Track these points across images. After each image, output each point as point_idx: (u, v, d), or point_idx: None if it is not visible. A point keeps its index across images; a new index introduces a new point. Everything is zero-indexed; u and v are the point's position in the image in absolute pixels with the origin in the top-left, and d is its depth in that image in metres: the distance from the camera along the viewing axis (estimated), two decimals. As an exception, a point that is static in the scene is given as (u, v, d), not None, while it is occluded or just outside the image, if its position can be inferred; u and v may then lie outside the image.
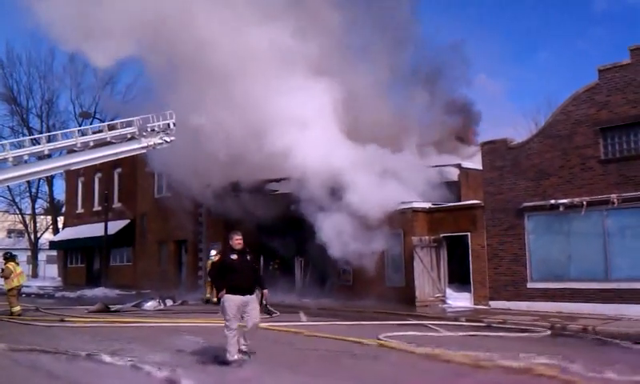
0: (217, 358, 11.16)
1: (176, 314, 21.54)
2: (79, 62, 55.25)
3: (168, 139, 21.91)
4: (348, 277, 25.62)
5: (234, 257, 11.10)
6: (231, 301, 10.83)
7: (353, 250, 22.80)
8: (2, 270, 21.07)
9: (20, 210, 58.60)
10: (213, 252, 27.82)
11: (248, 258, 11.28)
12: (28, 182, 54.92)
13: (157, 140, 21.59)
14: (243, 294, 10.89)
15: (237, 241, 11.28)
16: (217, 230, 32.62)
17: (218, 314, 20.87)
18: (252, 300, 10.99)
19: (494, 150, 22.16)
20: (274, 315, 11.40)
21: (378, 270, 23.98)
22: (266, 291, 11.57)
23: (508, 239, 21.35)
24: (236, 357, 10.72)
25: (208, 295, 26.03)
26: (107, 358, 11.49)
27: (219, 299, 10.94)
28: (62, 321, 18.87)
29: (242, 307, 10.84)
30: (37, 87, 57.14)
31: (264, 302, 11.48)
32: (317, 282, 27.37)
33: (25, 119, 55.79)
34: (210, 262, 26.34)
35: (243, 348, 11.04)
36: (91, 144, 20.07)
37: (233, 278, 10.91)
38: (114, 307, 23.03)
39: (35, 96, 57.22)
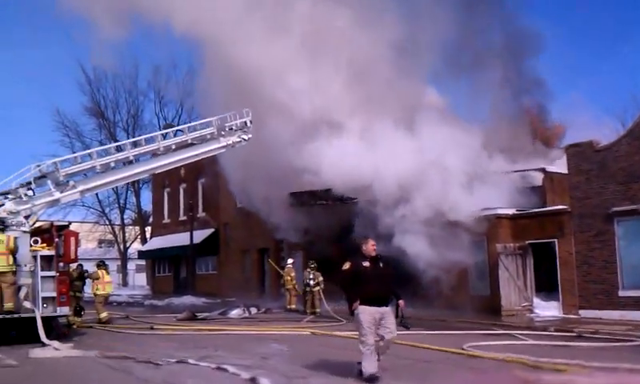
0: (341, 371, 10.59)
1: (261, 321, 21.82)
2: (162, 76, 57.03)
3: (246, 137, 22.21)
4: (430, 285, 25.29)
5: (366, 264, 10.25)
6: (366, 313, 9.95)
7: (435, 258, 22.54)
8: (91, 274, 21.85)
9: (109, 220, 60.68)
10: (290, 261, 28.09)
11: (381, 265, 10.40)
12: (116, 193, 57.25)
13: (235, 138, 21.91)
14: (379, 305, 10.02)
15: (372, 246, 10.39)
16: (297, 239, 32.81)
17: (300, 321, 21.25)
18: (388, 312, 10.15)
19: (579, 153, 21.49)
20: (410, 328, 10.69)
21: (461, 278, 23.60)
22: (401, 302, 10.45)
23: (597, 245, 20.64)
24: (374, 371, 9.84)
25: (293, 305, 26.21)
26: (195, 363, 11.74)
27: (352, 311, 10.12)
28: (152, 328, 19.39)
29: (378, 320, 9.98)
30: (122, 101, 59.26)
31: (400, 313, 10.43)
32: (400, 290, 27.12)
33: (112, 133, 57.82)
34: (299, 274, 26.62)
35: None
36: (173, 147, 20.55)
37: (366, 287, 10.06)
38: (201, 315, 23.54)
39: (121, 110, 59.39)
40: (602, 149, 20.95)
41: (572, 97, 54.41)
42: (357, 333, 10.25)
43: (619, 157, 20.31)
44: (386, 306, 10.14)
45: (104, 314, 21.37)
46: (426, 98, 27.08)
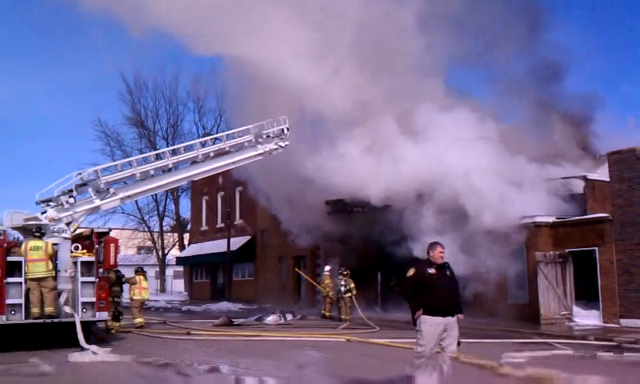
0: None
1: (296, 328, 21.86)
2: (201, 86, 57.63)
3: (283, 144, 22.31)
4: (468, 293, 25.04)
5: (432, 271, 9.66)
6: (429, 323, 9.44)
7: (474, 266, 22.31)
8: (129, 279, 22.14)
9: (149, 227, 61.44)
10: (327, 268, 28.10)
11: (448, 273, 9.83)
12: (156, 200, 58.03)
13: (272, 146, 22.02)
14: (444, 316, 9.49)
15: (440, 253, 9.79)
16: (333, 245, 32.87)
17: (336, 328, 21.25)
18: (453, 323, 9.61)
19: (621, 161, 21.10)
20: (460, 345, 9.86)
21: (499, 286, 23.32)
22: (461, 316, 9.85)
23: (639, 254, 20.22)
24: None
25: (328, 312, 26.22)
26: (231, 370, 11.77)
27: (415, 320, 9.63)
28: (189, 334, 19.55)
29: (441, 331, 9.45)
30: (162, 111, 60.08)
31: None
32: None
33: (152, 141, 58.65)
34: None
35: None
36: (211, 155, 20.74)
37: (432, 296, 9.51)
38: (237, 321, 23.65)
39: (161, 119, 60.25)
40: (645, 156, 20.55)
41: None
42: (414, 341, 9.83)
43: (662, 164, 19.90)
44: (451, 317, 9.61)
45: (139, 320, 21.64)
46: (465, 103, 26.86)
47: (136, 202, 51.04)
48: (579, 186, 24.53)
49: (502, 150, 24.06)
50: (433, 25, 26.97)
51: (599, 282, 21.22)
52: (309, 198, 28.67)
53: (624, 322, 20.23)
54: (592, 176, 24.55)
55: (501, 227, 22.22)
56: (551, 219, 23.15)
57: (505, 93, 29.91)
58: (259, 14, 25.56)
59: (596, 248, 21.47)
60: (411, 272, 9.81)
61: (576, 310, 22.15)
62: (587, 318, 21.51)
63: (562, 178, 24.88)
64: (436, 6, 26.86)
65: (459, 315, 9.80)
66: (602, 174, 23.51)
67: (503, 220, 22.32)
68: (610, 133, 30.02)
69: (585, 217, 22.91)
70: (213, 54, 29.66)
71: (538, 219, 22.91)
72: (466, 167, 23.22)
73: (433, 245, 9.96)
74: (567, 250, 22.45)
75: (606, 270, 21.05)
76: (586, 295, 22.25)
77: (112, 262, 17.14)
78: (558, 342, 16.15)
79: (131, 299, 21.99)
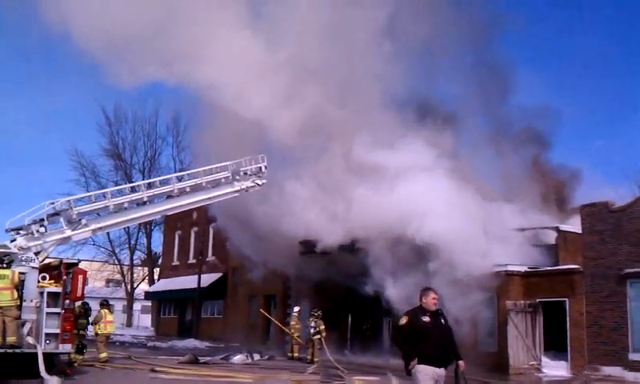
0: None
1: (263, 368, 21.55)
2: (180, 121, 57.52)
3: (260, 182, 22.25)
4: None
5: (427, 319, 9.26)
6: (426, 373, 9.04)
7: (449, 312, 22.25)
8: (94, 315, 21.74)
9: (119, 260, 60.71)
10: (296, 308, 27.91)
11: (442, 321, 9.47)
12: (128, 233, 57.38)
13: (249, 183, 21.96)
14: (439, 366, 9.15)
15: (433, 300, 9.44)
16: (303, 286, 32.70)
17: (304, 371, 20.96)
18: (443, 375, 9.28)
19: (594, 213, 21.36)
20: None
21: (469, 333, 23.25)
22: (462, 363, 9.47)
23: (608, 307, 20.37)
24: None
25: (295, 354, 25.94)
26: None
27: (409, 370, 9.20)
28: (153, 370, 19.18)
29: (435, 382, 9.13)
30: (141, 144, 59.73)
31: (462, 376, 9.46)
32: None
33: (128, 174, 58.19)
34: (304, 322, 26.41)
35: None
36: (187, 190, 20.59)
37: (427, 345, 9.09)
38: (203, 359, 23.26)
39: (139, 153, 59.82)
40: (617, 210, 20.83)
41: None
42: None
43: (634, 218, 20.17)
44: (445, 367, 9.26)
45: (104, 354, 21.19)
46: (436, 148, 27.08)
47: (107, 233, 50.36)
48: (551, 237, 24.72)
49: (474, 196, 24.16)
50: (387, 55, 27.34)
51: (568, 333, 21.28)
52: (278, 238, 28.52)
53: (592, 374, 20.26)
54: (564, 227, 24.77)
55: (473, 276, 22.25)
56: (523, 268, 23.25)
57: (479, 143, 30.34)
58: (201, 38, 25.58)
59: (566, 299, 21.57)
60: (404, 321, 9.39)
61: (545, 360, 22.14)
62: (556, 369, 21.51)
63: (535, 229, 25.06)
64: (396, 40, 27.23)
65: (460, 362, 9.44)
66: (574, 225, 23.74)
67: (476, 269, 22.37)
68: (583, 186, 30.56)
69: (556, 268, 23.04)
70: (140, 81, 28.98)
71: (510, 268, 22.98)
72: (437, 213, 23.28)
73: (425, 291, 9.60)
74: (538, 300, 22.52)
75: (576, 322, 21.14)
76: (555, 346, 22.27)
77: (79, 293, 16.80)
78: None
79: (96, 334, 21.54)
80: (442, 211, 23.17)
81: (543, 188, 29.64)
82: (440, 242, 22.77)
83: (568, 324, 21.35)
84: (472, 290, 22.26)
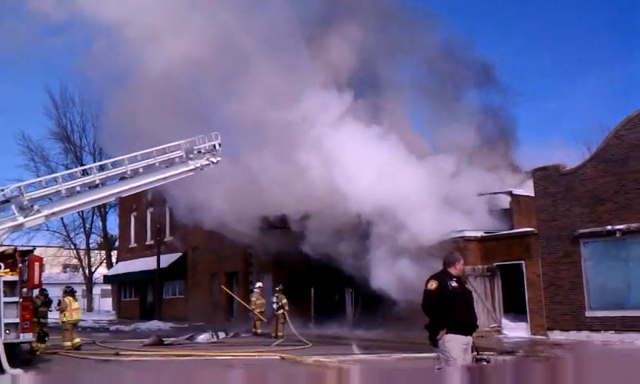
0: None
1: (229, 346, 21.58)
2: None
3: (214, 160, 22.01)
4: (398, 308, 25.28)
5: (455, 285, 8.80)
6: (457, 341, 8.61)
7: (402, 281, 22.56)
8: (59, 302, 21.44)
9: (75, 245, 59.80)
10: (258, 284, 27.91)
11: (467, 288, 9.02)
12: (82, 217, 56.53)
13: (204, 162, 21.67)
14: (466, 334, 8.72)
15: (462, 266, 9.06)
16: (266, 261, 32.76)
17: (269, 345, 21.06)
18: (470, 343, 8.89)
19: (546, 177, 21.78)
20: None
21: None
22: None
23: (564, 267, 20.88)
24: None
25: (259, 330, 26.01)
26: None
27: (435, 340, 8.70)
28: (117, 354, 19.04)
29: (464, 351, 8.68)
30: (89, 126, 58.55)
31: (474, 347, 9.02)
32: (368, 313, 27.08)
33: (79, 157, 57.09)
34: (268, 297, 26.44)
35: None
36: (141, 170, 20.28)
37: (457, 312, 8.66)
38: (167, 340, 23.17)
39: (88, 135, 58.59)
40: (568, 172, 21.27)
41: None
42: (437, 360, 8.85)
43: (585, 180, 20.62)
44: (471, 336, 8.86)
45: (74, 341, 20.93)
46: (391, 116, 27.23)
47: (61, 218, 49.41)
48: (506, 202, 25.19)
49: (430, 164, 24.42)
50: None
51: (526, 295, 21.77)
52: (241, 213, 28.43)
53: (551, 333, 20.80)
54: (517, 191, 25.25)
55: (431, 242, 22.55)
56: (479, 234, 23.66)
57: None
58: None
59: (523, 262, 22.03)
60: (433, 285, 8.81)
61: (505, 322, 22.64)
62: (516, 331, 22.01)
63: (489, 194, 25.49)
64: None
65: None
66: (527, 189, 24.19)
67: (434, 235, 22.67)
68: (532, 149, 31.15)
69: (511, 231, 23.51)
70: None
71: (467, 234, 23.35)
72: (393, 185, 23.52)
73: (454, 256, 9.17)
74: (495, 264, 22.96)
75: (533, 283, 21.63)
76: (515, 308, 22.78)
77: (37, 281, 16.55)
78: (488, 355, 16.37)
79: (62, 322, 21.24)
80: (393, 178, 23.42)
81: (495, 153, 30.15)
82: (391, 210, 23.04)
83: (525, 286, 21.84)
84: (429, 257, 22.56)
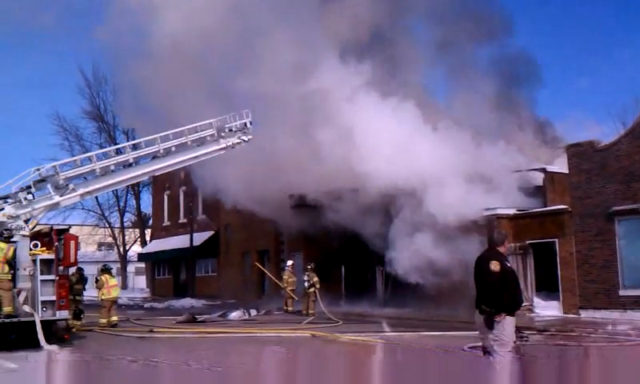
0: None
1: (261, 323, 21.77)
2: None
3: (246, 138, 22.06)
4: (427, 287, 25.22)
5: (510, 266, 8.63)
6: (514, 325, 8.54)
7: (434, 259, 22.52)
8: (96, 280, 21.77)
9: (109, 223, 60.56)
10: (289, 262, 28.04)
11: None
12: (116, 196, 57.18)
13: (235, 140, 21.73)
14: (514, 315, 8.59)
15: (508, 245, 8.88)
16: (298, 239, 32.90)
17: (300, 323, 21.21)
18: None
19: (580, 153, 21.47)
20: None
21: (461, 278, 23.51)
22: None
23: (598, 245, 20.61)
24: None
25: (290, 308, 26.17)
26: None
27: (492, 322, 8.41)
28: (151, 331, 19.34)
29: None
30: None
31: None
32: (398, 291, 27.05)
33: (112, 136, 57.68)
34: (299, 275, 26.54)
35: None
36: (173, 149, 20.43)
37: (516, 294, 8.56)
38: (200, 317, 23.47)
39: (121, 113, 59.07)
40: (603, 148, 20.93)
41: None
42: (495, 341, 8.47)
43: (619, 156, 20.28)
44: None
45: (109, 319, 21.19)
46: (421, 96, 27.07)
47: (96, 197, 49.96)
48: (539, 179, 24.88)
49: (463, 140, 24.18)
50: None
51: (559, 274, 21.56)
52: (271, 191, 28.54)
53: (583, 312, 20.61)
54: (551, 168, 24.92)
55: (462, 220, 22.43)
56: (512, 211, 23.43)
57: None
58: None
59: (556, 240, 21.81)
60: (497, 267, 8.51)
61: (537, 301, 22.47)
62: (548, 309, 21.84)
63: (522, 171, 25.19)
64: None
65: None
66: (560, 165, 23.87)
67: (465, 212, 22.54)
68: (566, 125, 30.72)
69: (544, 209, 23.26)
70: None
71: (499, 211, 23.14)
72: (425, 161, 23.40)
73: (502, 234, 9.02)
74: (528, 242, 22.74)
75: (566, 261, 21.41)
76: (547, 286, 22.59)
77: (72, 259, 16.79)
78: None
79: (101, 300, 21.56)
80: (414, 153, 23.37)
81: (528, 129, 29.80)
82: (422, 188, 22.97)
83: (558, 264, 21.63)
84: (462, 235, 22.46)
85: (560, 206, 22.30)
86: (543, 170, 24.94)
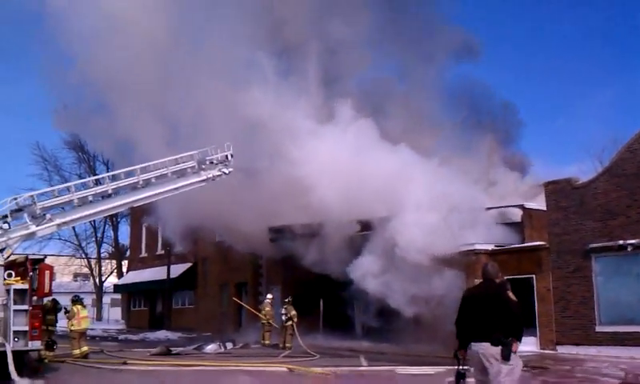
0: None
1: (236, 357, 21.53)
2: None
3: (226, 171, 22.04)
4: (408, 320, 25.16)
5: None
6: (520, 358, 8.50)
7: (415, 292, 22.48)
8: (67, 311, 21.49)
9: (86, 254, 60.04)
10: (268, 296, 27.86)
11: None
12: (94, 226, 56.68)
13: (215, 172, 21.72)
14: None
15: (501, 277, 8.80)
16: (276, 272, 32.74)
17: (277, 357, 21.01)
18: None
19: (558, 190, 21.65)
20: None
21: (438, 313, 23.47)
22: None
23: (575, 281, 20.70)
24: None
25: (267, 341, 25.95)
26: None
27: (509, 351, 8.07)
28: (125, 363, 19.06)
29: None
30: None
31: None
32: (376, 325, 26.94)
33: (92, 166, 57.46)
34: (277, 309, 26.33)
35: None
36: (153, 180, 20.34)
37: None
38: (175, 350, 23.17)
39: (102, 144, 58.79)
40: (580, 186, 21.14)
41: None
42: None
43: (597, 194, 20.49)
44: None
45: (82, 349, 20.92)
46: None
47: (73, 227, 49.67)
48: (517, 215, 25.03)
49: (444, 177, 24.31)
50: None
51: (536, 309, 21.60)
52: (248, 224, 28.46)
53: (560, 348, 20.63)
54: (529, 205, 25.09)
55: (441, 255, 22.45)
56: (490, 247, 23.49)
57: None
58: None
59: (533, 276, 21.86)
60: (514, 297, 8.65)
61: (514, 336, 22.39)
62: (525, 345, 21.65)
63: (501, 207, 25.36)
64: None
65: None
66: (539, 202, 24.05)
67: (443, 248, 22.56)
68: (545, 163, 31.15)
69: (522, 245, 23.35)
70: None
71: (478, 247, 23.19)
72: (406, 195, 23.46)
73: (496, 267, 9.07)
74: (505, 278, 22.68)
75: (543, 297, 21.46)
76: (524, 322, 22.52)
77: (47, 289, 16.59)
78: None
79: (70, 330, 21.27)
80: (405, 192, 23.40)
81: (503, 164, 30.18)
82: (403, 225, 22.99)
83: (536, 300, 21.66)
84: (439, 270, 22.47)
85: (538, 243, 22.41)
86: (521, 207, 25.10)
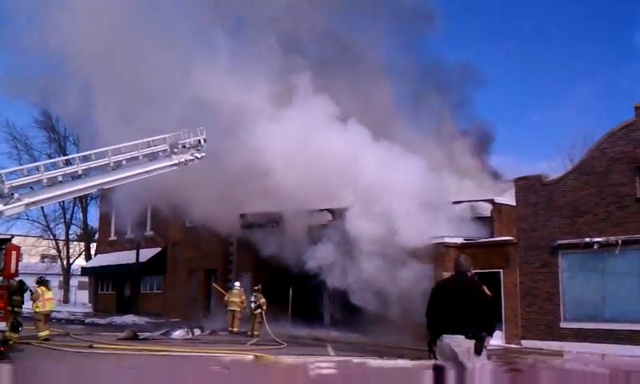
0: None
1: (204, 343, 21.47)
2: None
3: (199, 155, 21.89)
4: (376, 311, 25.27)
5: None
6: None
7: (381, 284, 22.56)
8: (32, 292, 21.24)
9: (54, 235, 59.30)
10: (237, 284, 27.69)
11: None
12: (63, 208, 56.00)
13: (188, 156, 21.57)
14: None
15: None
16: (246, 260, 32.64)
17: (245, 344, 20.98)
18: None
19: (528, 186, 21.89)
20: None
21: (407, 305, 23.61)
22: None
23: (541, 277, 20.98)
24: None
25: (235, 328, 25.86)
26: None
27: (482, 346, 8.16)
28: (91, 347, 18.91)
29: None
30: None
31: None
32: (345, 315, 27.04)
33: (62, 146, 56.67)
34: (250, 300, 26.18)
35: None
36: (124, 163, 20.11)
37: None
38: (142, 335, 23.04)
39: (73, 124, 58.03)
40: (550, 183, 21.39)
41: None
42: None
43: (566, 191, 20.75)
44: None
45: (46, 332, 20.73)
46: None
47: (42, 208, 49.07)
48: (487, 209, 25.25)
49: (413, 168, 24.37)
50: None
51: (502, 304, 21.83)
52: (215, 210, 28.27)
53: (525, 342, 20.91)
54: (499, 200, 25.33)
55: (410, 247, 22.55)
56: (459, 240, 23.67)
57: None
58: None
59: (501, 270, 22.10)
60: (489, 291, 8.63)
61: (480, 329, 22.61)
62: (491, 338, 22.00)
63: (471, 201, 25.55)
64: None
65: None
66: (508, 198, 24.28)
67: (413, 240, 22.67)
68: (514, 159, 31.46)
69: (490, 239, 23.57)
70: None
71: (447, 240, 23.35)
72: (375, 185, 23.48)
73: (469, 260, 8.97)
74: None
75: (509, 292, 21.71)
76: (495, 317, 22.75)
77: (13, 270, 16.37)
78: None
79: (35, 312, 21.04)
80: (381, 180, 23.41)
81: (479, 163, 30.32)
82: (378, 212, 23.02)
83: (502, 294, 21.90)
84: (408, 262, 22.59)
85: (506, 238, 22.66)
86: (491, 201, 25.33)
